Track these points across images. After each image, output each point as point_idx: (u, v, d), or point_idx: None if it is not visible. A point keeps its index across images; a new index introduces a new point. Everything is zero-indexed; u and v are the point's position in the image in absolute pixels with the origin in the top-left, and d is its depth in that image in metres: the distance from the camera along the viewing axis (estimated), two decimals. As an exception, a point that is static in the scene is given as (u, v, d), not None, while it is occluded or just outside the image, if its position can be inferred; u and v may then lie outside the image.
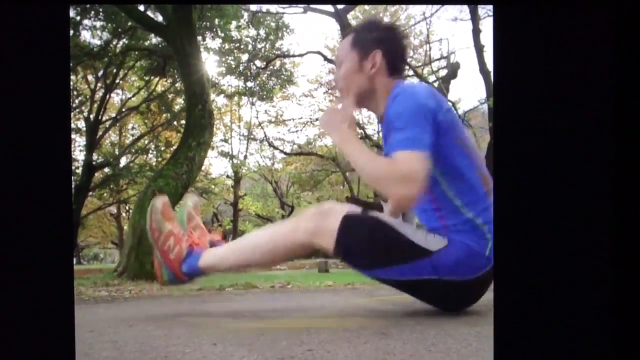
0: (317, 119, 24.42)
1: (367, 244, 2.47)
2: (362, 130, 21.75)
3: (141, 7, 12.45)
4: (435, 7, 15.13)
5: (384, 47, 2.65)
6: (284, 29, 19.03)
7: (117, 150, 23.06)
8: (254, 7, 17.13)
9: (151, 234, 2.77)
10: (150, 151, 22.89)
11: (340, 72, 2.70)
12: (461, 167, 2.48)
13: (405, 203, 2.42)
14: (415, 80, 14.47)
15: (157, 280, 2.84)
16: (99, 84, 19.86)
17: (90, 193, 20.85)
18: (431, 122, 2.37)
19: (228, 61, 19.97)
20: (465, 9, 12.38)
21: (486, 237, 2.42)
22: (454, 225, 2.48)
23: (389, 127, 2.47)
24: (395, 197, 2.41)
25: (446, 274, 2.40)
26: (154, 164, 21.32)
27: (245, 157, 25.41)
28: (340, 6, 11.45)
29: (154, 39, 16.17)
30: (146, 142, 22.76)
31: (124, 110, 21.84)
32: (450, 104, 2.86)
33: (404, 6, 20.94)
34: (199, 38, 14.43)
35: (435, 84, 15.33)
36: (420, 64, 20.15)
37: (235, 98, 23.40)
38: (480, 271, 2.42)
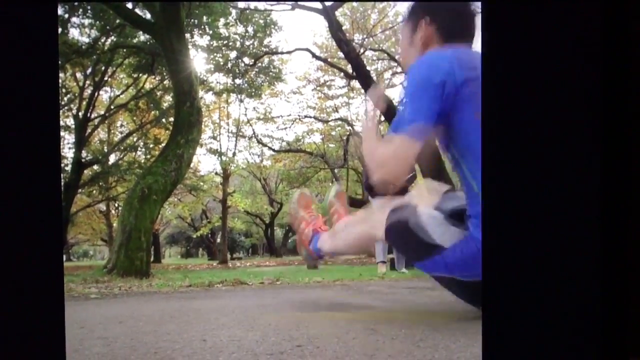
0: (305, 116, 24.43)
1: (401, 239, 2.50)
2: (350, 127, 21.74)
3: (129, 5, 12.42)
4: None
5: (432, 13, 2.52)
6: (272, 26, 18.99)
7: (106, 147, 22.95)
8: (241, 4, 17.11)
9: (291, 220, 3.37)
10: (139, 148, 22.84)
11: (400, 51, 2.65)
12: (476, 144, 2.21)
13: (380, 188, 2.49)
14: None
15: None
16: (88, 82, 19.77)
17: (80, 190, 20.72)
18: (437, 96, 2.24)
19: (216, 58, 19.94)
20: (453, 5, 12.39)
21: None
22: (474, 215, 2.29)
23: None
24: (374, 180, 2.43)
25: (457, 273, 2.32)
26: (142, 161, 21.30)
27: (234, 154, 25.36)
28: (328, 3, 11.42)
29: (142, 37, 16.13)
30: (135, 139, 22.68)
31: (112, 107, 21.74)
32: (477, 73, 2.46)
33: (392, 3, 20.91)
34: (187, 35, 14.43)
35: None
36: (408, 60, 20.08)
37: (224, 95, 23.33)
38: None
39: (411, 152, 2.29)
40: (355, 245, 2.86)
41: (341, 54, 13.99)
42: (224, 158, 24.09)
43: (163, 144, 15.41)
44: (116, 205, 26.60)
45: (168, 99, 20.07)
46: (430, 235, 2.38)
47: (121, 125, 24.63)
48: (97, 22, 15.52)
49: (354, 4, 20.03)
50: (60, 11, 13.79)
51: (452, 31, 2.48)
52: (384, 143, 2.36)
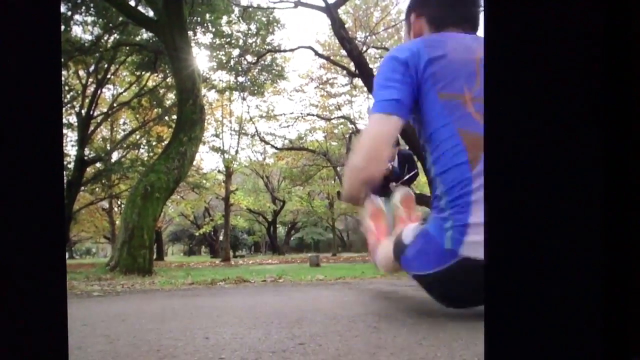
0: (308, 114, 24.43)
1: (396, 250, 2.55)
2: (353, 125, 21.75)
3: (132, 2, 12.46)
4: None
5: (419, 7, 2.53)
6: (275, 23, 19.00)
7: (108, 145, 23.01)
8: (244, 2, 17.13)
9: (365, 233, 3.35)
10: (142, 146, 22.89)
11: None
12: (437, 126, 2.23)
13: (349, 174, 2.42)
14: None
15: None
16: (91, 79, 19.82)
17: (82, 188, 20.77)
18: (404, 72, 2.23)
19: (219, 56, 19.98)
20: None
21: (445, 226, 2.17)
22: (434, 205, 2.30)
23: None
24: (361, 174, 2.36)
25: (411, 268, 2.36)
26: (145, 159, 21.34)
27: (237, 152, 25.39)
28: (331, 1, 11.43)
29: (145, 34, 16.21)
30: (138, 137, 22.73)
31: (115, 105, 21.78)
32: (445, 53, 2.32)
33: (394, 1, 20.90)
34: (190, 33, 14.46)
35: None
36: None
37: (227, 93, 23.37)
38: (440, 265, 2.19)
39: (388, 127, 2.25)
40: (384, 265, 2.91)
41: (344, 52, 13.98)
42: (226, 156, 24.15)
43: (166, 142, 15.46)
44: (119, 202, 26.68)
45: (171, 97, 20.14)
46: (405, 230, 2.44)
47: (124, 123, 24.69)
48: (100, 19, 15.59)
49: (357, 1, 20.08)
50: (63, 9, 13.82)
51: (442, 20, 2.46)
52: (362, 132, 2.38)
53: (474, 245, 2.06)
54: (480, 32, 2.47)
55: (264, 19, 18.63)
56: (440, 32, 2.43)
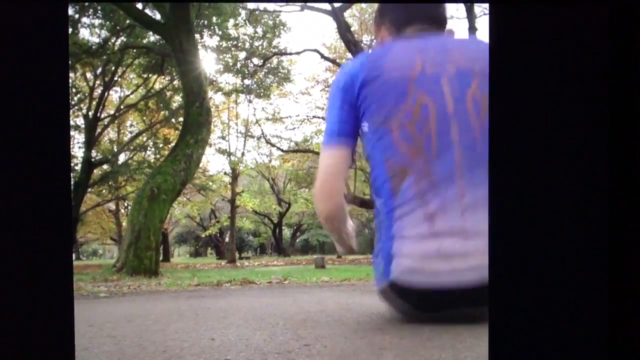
0: (314, 117, 24.42)
1: None
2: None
3: (139, 5, 12.47)
4: (433, 5, 15.12)
5: (380, 15, 2.57)
6: (281, 26, 19.02)
7: (115, 147, 23.00)
8: (251, 5, 17.14)
9: None
10: (149, 148, 22.89)
11: None
12: (368, 151, 2.29)
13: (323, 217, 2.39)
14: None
15: None
16: (98, 82, 19.82)
17: (89, 189, 20.78)
18: (346, 99, 2.28)
19: (225, 59, 19.98)
20: (461, 7, 12.37)
21: (376, 250, 2.31)
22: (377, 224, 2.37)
23: None
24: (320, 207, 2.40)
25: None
26: (152, 161, 21.35)
27: (243, 154, 25.34)
28: (337, 4, 11.45)
29: (152, 37, 16.19)
30: (144, 139, 22.71)
31: (122, 107, 21.79)
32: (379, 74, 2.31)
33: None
34: (197, 36, 14.46)
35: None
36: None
37: (233, 95, 23.34)
38: (380, 284, 2.30)
39: (332, 160, 2.33)
40: None
41: (350, 55, 14.00)
42: (232, 158, 24.14)
43: (172, 144, 15.46)
44: (125, 204, 26.66)
45: (177, 99, 20.13)
46: None
47: (131, 125, 24.70)
48: (107, 22, 15.60)
49: (363, 5, 20.05)
50: (70, 11, 13.85)
51: (400, 21, 2.47)
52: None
53: (398, 274, 2.15)
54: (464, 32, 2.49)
55: (270, 22, 18.68)
56: (400, 33, 2.44)
